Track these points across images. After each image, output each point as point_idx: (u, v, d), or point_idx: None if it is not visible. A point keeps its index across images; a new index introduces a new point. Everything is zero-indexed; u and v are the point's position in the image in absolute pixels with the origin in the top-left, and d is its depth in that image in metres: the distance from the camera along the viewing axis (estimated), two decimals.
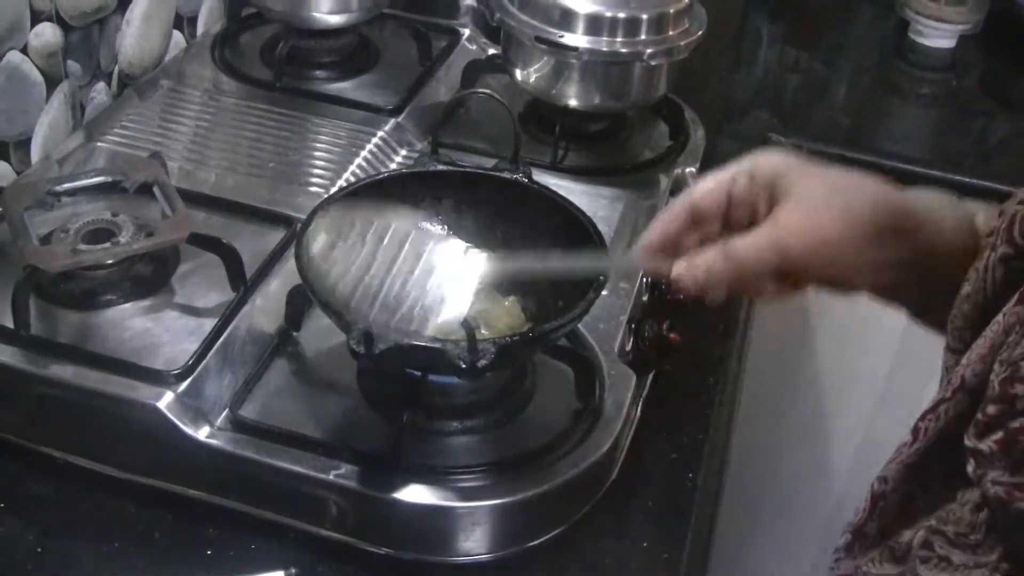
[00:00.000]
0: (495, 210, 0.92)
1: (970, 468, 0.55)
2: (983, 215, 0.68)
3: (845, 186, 0.65)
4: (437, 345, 0.75)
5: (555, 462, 0.85)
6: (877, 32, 1.83)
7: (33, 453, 0.89)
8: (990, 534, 0.57)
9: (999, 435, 0.53)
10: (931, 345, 0.70)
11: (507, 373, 0.89)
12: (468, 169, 0.96)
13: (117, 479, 0.87)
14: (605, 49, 1.14)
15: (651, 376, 1.00)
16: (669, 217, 0.70)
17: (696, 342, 1.06)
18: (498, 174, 0.93)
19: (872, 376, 1.59)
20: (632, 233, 1.11)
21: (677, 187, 1.20)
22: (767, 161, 0.67)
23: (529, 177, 0.94)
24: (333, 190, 1.09)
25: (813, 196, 0.64)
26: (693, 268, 0.67)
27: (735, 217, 0.69)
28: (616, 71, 1.17)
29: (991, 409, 0.54)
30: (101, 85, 1.27)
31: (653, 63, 1.15)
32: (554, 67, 1.18)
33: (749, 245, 0.65)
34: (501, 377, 0.89)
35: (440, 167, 0.94)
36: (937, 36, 1.73)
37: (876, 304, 0.71)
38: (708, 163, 1.26)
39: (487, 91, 0.95)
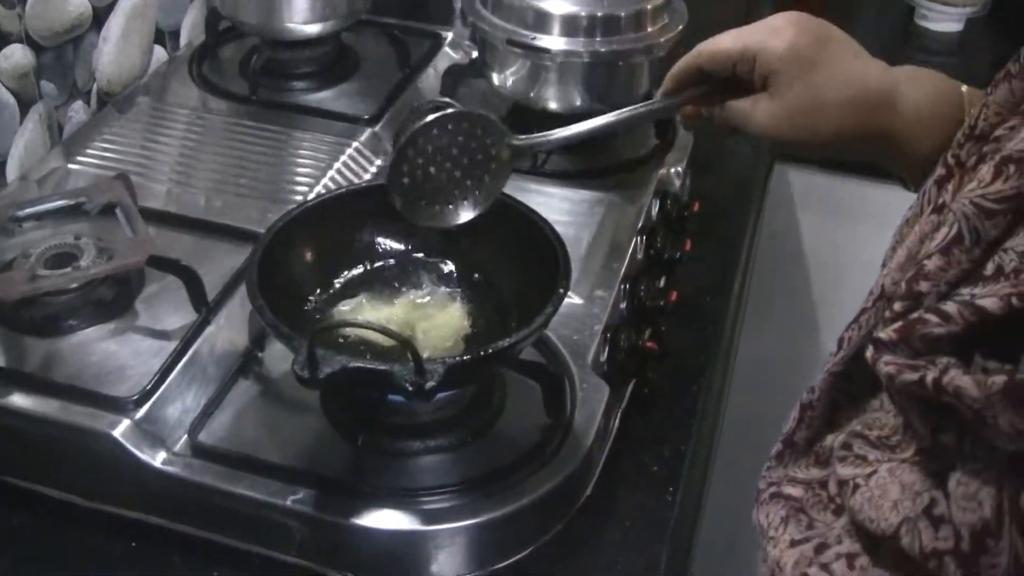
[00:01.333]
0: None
1: (868, 353, 0.58)
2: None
3: (828, 100, 0.76)
4: (383, 367, 0.73)
5: (523, 480, 0.82)
6: (884, 18, 1.78)
7: None
8: (906, 433, 0.59)
9: (898, 324, 0.56)
10: None
11: (471, 389, 0.86)
12: None
13: (81, 507, 0.86)
14: (582, 50, 1.11)
15: (630, 387, 0.97)
16: (680, 70, 0.83)
17: (680, 350, 1.03)
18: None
19: None
20: (613, 236, 1.08)
21: (663, 187, 1.17)
22: (774, 51, 0.76)
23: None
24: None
25: (790, 106, 0.76)
26: None
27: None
28: (595, 72, 1.14)
29: (897, 306, 0.58)
30: (79, 104, 1.26)
31: (633, 62, 1.12)
32: (530, 70, 1.15)
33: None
34: (466, 393, 0.86)
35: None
36: (944, 20, 1.68)
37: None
38: (696, 160, 1.23)
39: (446, 99, 0.92)
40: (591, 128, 0.86)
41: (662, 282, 1.08)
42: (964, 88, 0.77)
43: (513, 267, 0.89)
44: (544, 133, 0.86)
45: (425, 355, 0.73)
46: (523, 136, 0.87)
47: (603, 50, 1.12)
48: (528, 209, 0.89)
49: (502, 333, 0.81)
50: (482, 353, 0.75)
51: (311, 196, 1.08)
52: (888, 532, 0.57)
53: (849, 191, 1.47)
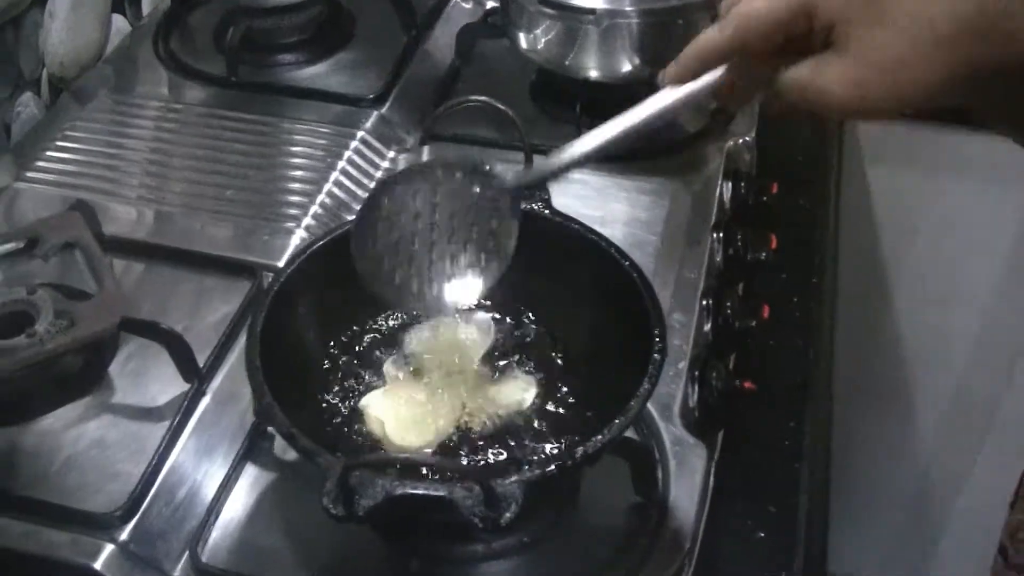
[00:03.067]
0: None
1: None
2: None
3: (925, 39, 0.51)
4: (442, 493, 0.55)
5: None
6: None
7: None
8: None
9: None
10: None
11: None
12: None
13: None
14: (630, 8, 0.91)
15: (721, 434, 0.80)
16: (705, 51, 0.57)
17: (771, 373, 0.85)
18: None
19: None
20: (684, 233, 0.89)
21: (731, 164, 0.97)
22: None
23: (548, 204, 0.73)
24: (306, 220, 0.88)
25: (873, 61, 0.52)
26: None
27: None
28: (647, 33, 0.93)
29: None
30: (27, 96, 1.06)
31: (693, 19, 0.91)
32: (566, 32, 0.95)
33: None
34: None
35: None
36: None
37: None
38: (767, 128, 1.03)
39: (484, 98, 0.73)
40: (606, 141, 0.61)
41: (740, 289, 0.90)
42: None
43: (583, 313, 0.71)
44: (543, 162, 0.64)
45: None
46: (517, 173, 0.65)
47: (656, 7, 0.91)
48: (599, 236, 0.70)
49: (577, 408, 0.63)
50: (569, 463, 0.57)
51: (314, 208, 0.89)
52: None
53: (923, 138, 1.29)
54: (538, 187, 0.68)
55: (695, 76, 0.57)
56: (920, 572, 1.78)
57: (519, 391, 0.69)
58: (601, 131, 0.61)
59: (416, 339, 0.73)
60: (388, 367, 0.71)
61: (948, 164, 1.31)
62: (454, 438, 0.68)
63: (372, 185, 0.93)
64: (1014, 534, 0.88)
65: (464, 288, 0.63)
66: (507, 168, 0.65)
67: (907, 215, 1.38)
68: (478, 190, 0.64)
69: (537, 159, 0.66)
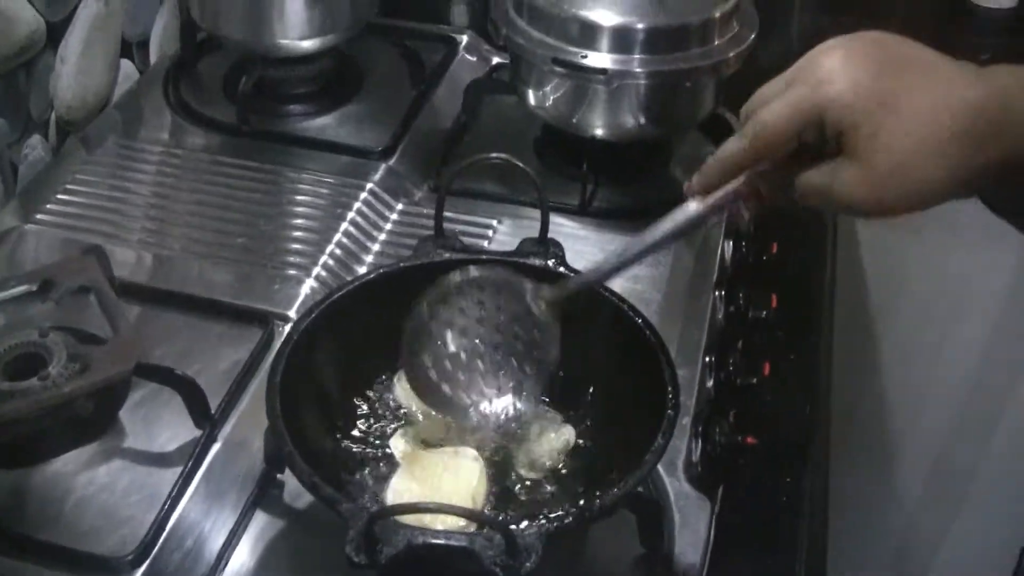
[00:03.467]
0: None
1: None
2: None
3: (929, 144, 0.55)
4: (463, 544, 0.56)
5: None
6: None
7: None
8: None
9: None
10: None
11: None
12: (482, 258, 0.76)
13: None
14: (639, 70, 0.93)
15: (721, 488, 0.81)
16: (724, 166, 0.60)
17: (770, 427, 0.87)
18: (522, 261, 0.73)
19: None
20: (687, 291, 0.91)
21: (732, 224, 0.99)
22: (839, 100, 0.55)
23: (562, 260, 0.74)
24: (316, 270, 0.89)
25: (882, 166, 0.55)
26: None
27: None
28: (653, 93, 0.95)
29: None
30: (36, 139, 1.07)
31: (699, 81, 0.94)
32: (575, 91, 0.97)
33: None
34: None
35: (446, 255, 0.74)
36: None
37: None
38: None
39: (504, 156, 0.75)
40: (638, 252, 0.65)
41: (740, 345, 0.92)
42: None
43: (594, 370, 0.72)
44: (577, 278, 0.69)
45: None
46: (551, 288, 0.68)
47: (664, 69, 0.93)
48: (611, 292, 0.72)
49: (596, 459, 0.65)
50: (587, 513, 0.58)
51: (324, 258, 0.90)
52: None
53: None
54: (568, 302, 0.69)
55: (719, 185, 0.61)
56: None
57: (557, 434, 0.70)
58: (634, 242, 0.65)
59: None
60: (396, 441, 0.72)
61: (938, 222, 1.34)
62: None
63: (381, 237, 0.95)
64: None
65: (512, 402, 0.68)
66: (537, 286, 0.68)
67: (896, 273, 1.40)
68: (517, 305, 0.67)
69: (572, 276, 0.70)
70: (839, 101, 0.55)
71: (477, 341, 0.68)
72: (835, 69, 0.56)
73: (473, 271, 0.67)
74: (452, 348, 0.67)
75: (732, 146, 0.59)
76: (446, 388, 0.67)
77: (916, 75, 0.56)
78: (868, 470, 1.60)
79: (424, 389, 0.68)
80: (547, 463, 0.69)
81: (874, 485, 1.62)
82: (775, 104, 0.57)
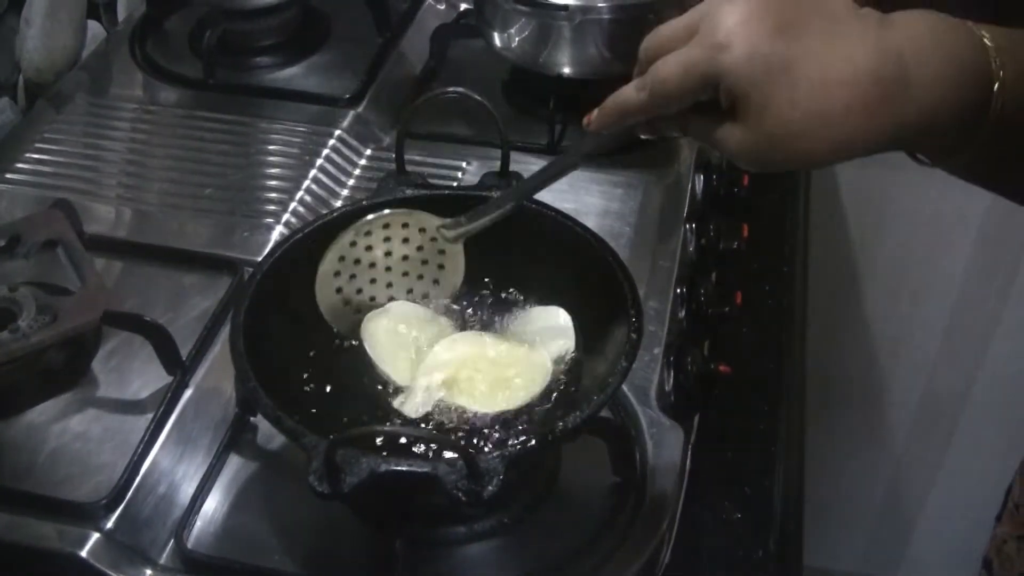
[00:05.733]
0: (491, 242, 0.71)
1: None
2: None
3: (816, 116, 0.55)
4: (425, 470, 0.56)
5: (601, 566, 0.67)
6: None
7: None
8: None
9: None
10: None
11: None
12: (445, 193, 0.76)
13: None
14: (603, 5, 0.92)
15: (697, 417, 0.81)
16: (622, 110, 0.62)
17: (746, 359, 0.87)
18: (485, 194, 0.73)
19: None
20: (658, 224, 0.91)
21: (703, 158, 0.99)
22: (733, 69, 0.55)
23: None
24: (285, 216, 0.89)
25: (767, 133, 0.56)
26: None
27: None
28: (619, 29, 0.95)
29: None
30: (4, 101, 1.06)
31: (666, 15, 0.93)
32: (540, 30, 0.96)
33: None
34: None
35: (408, 192, 0.73)
36: None
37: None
38: None
39: (461, 90, 0.74)
40: (526, 190, 0.70)
41: (713, 277, 0.92)
42: (985, 35, 0.57)
43: (562, 300, 0.72)
44: (473, 212, 0.71)
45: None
46: (450, 221, 0.72)
47: (627, 3, 0.93)
48: (575, 223, 0.72)
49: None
50: (549, 437, 0.59)
51: (293, 205, 0.90)
52: None
53: None
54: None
55: (616, 125, 0.63)
56: (895, 569, 1.80)
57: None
58: (533, 176, 0.69)
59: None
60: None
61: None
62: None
63: (350, 183, 0.95)
64: (1000, 548, 0.89)
65: None
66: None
67: (874, 210, 1.40)
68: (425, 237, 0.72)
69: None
70: (733, 71, 0.55)
71: (388, 267, 0.73)
72: (734, 31, 0.55)
73: (383, 211, 0.71)
74: (364, 278, 0.72)
75: (630, 95, 0.61)
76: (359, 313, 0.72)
77: (815, 37, 0.55)
78: (856, 409, 1.61)
79: (337, 317, 0.72)
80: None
81: (862, 423, 1.63)
82: (673, 62, 0.58)
